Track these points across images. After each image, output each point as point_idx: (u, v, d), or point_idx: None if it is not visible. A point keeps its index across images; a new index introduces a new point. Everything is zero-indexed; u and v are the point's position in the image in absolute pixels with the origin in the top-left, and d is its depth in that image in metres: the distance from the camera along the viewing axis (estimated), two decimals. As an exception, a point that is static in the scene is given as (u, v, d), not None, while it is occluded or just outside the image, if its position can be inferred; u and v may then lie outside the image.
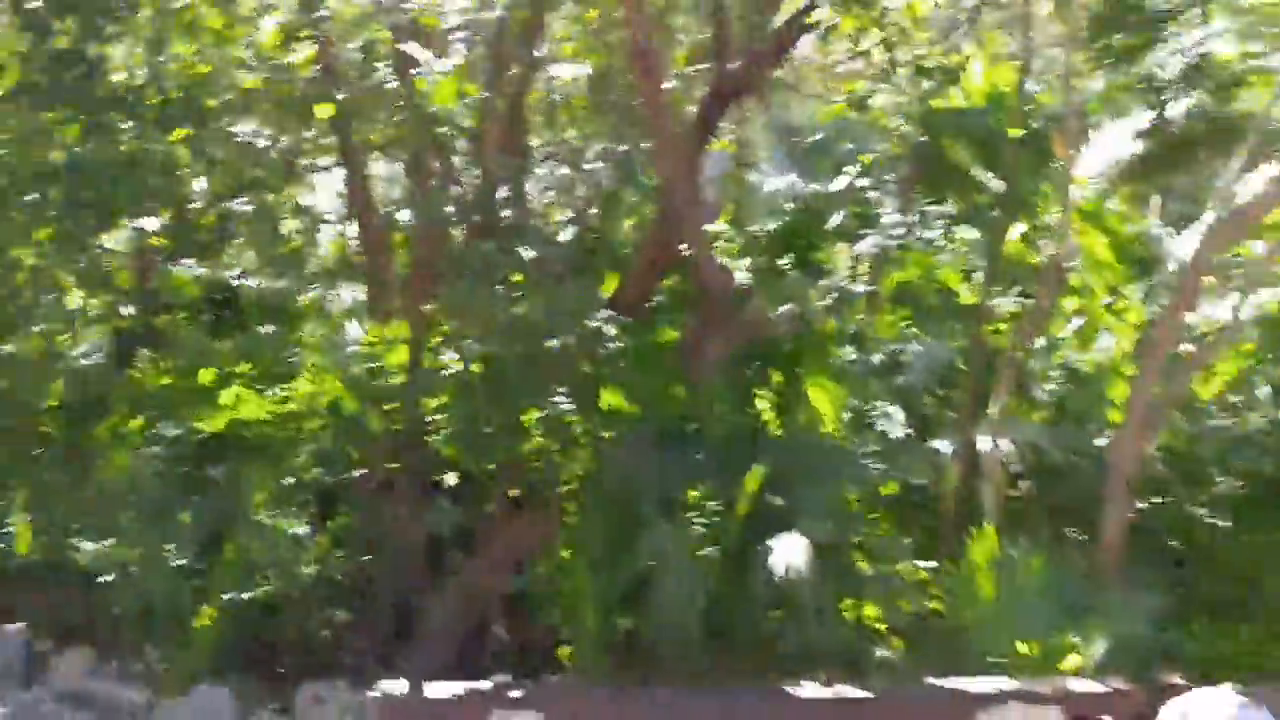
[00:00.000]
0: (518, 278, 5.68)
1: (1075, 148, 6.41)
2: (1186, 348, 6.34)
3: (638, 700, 4.64)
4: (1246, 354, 7.51)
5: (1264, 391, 6.63)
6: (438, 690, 4.57)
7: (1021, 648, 4.62)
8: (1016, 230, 7.64)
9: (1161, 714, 2.08)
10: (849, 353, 6.55)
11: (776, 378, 6.46)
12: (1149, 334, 6.29)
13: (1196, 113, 6.41)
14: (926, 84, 6.84)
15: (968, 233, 7.22)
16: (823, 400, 6.29)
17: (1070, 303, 7.66)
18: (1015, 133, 6.32)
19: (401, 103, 6.01)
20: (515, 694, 4.64)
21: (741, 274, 6.52)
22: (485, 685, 4.72)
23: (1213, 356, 5.99)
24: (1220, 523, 5.88)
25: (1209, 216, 6.19)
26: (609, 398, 6.05)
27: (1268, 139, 5.70)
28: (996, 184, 6.46)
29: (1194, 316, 7.44)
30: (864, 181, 6.41)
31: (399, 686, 4.56)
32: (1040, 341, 6.87)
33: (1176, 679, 5.54)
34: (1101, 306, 7.56)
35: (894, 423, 6.51)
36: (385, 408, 6.19)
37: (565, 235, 6.57)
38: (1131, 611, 4.94)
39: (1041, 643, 4.62)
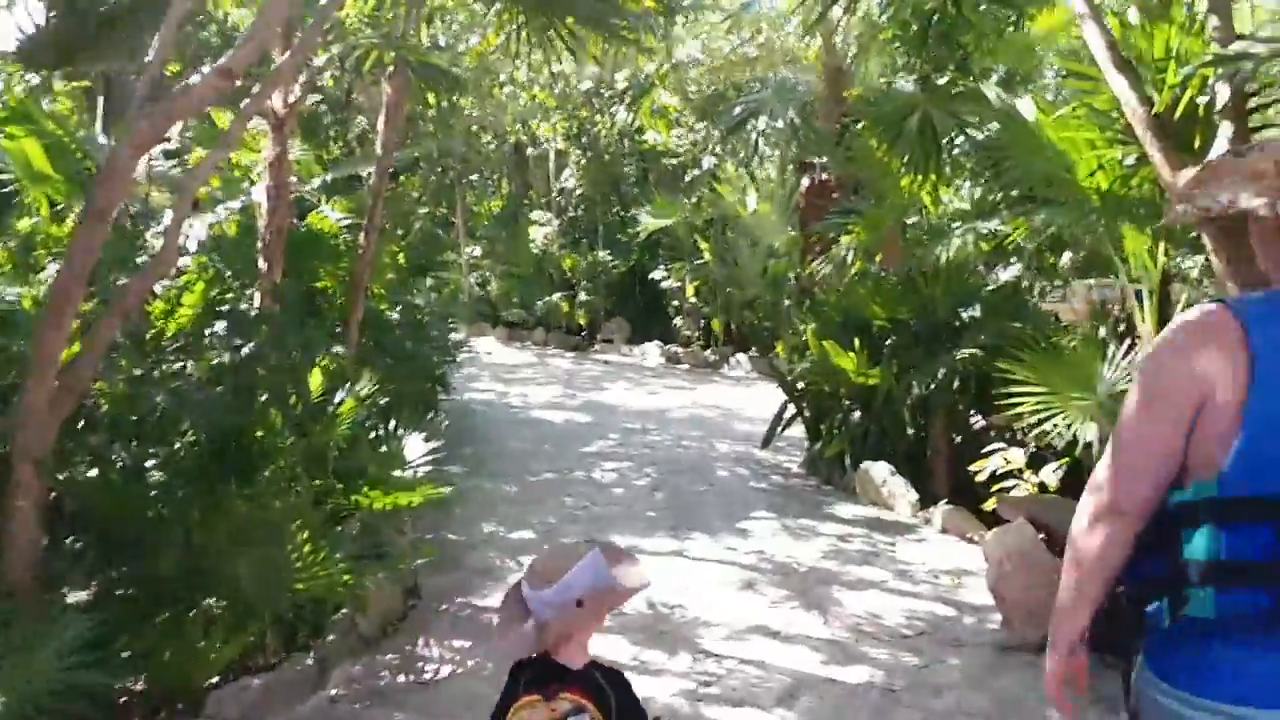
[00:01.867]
0: None
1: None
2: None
3: None
4: (215, 282, 6.78)
5: (221, 325, 5.83)
6: None
7: None
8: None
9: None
10: None
11: None
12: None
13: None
14: None
15: None
16: None
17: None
18: None
19: None
20: None
21: None
22: None
23: (150, 284, 4.94)
24: (178, 491, 4.91)
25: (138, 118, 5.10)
26: None
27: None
28: None
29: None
30: None
31: None
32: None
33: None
34: (48, 226, 6.19)
35: None
36: None
37: None
38: (49, 645, 3.68)
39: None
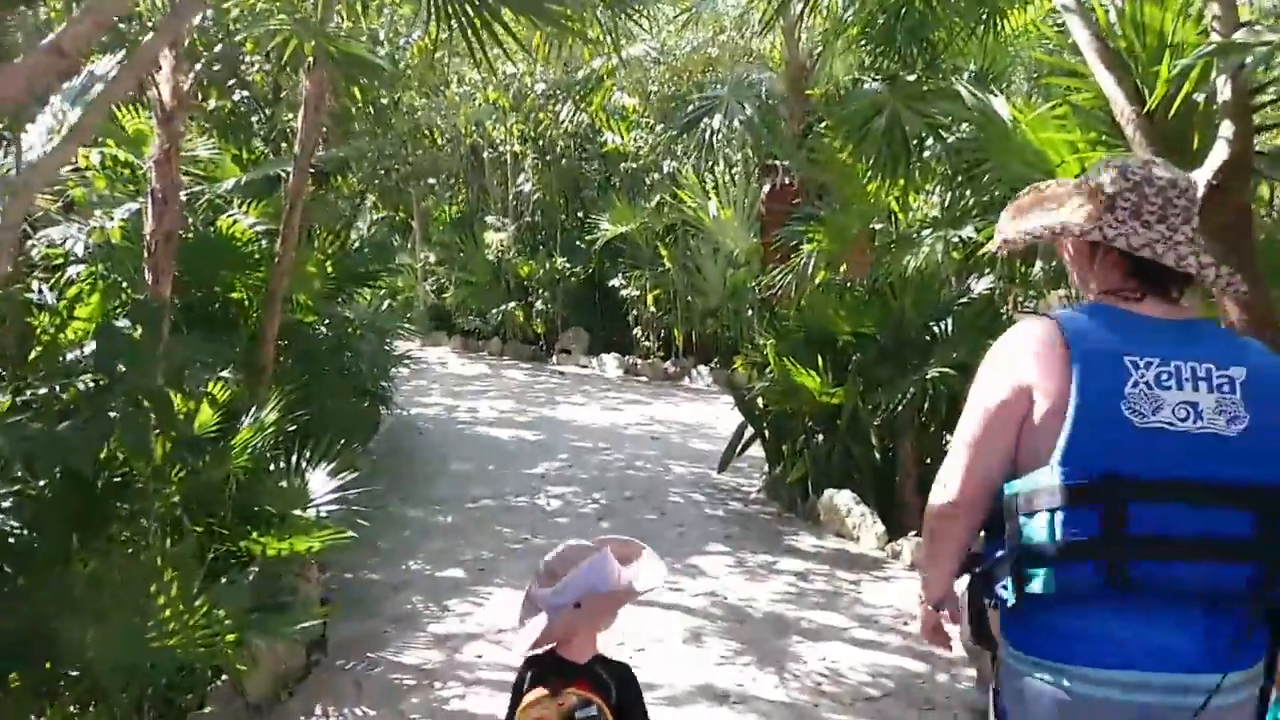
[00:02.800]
0: None
1: None
2: None
3: None
4: (113, 293, 6.11)
5: (90, 347, 5.13)
6: None
7: None
8: None
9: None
10: None
11: None
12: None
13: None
14: None
15: None
16: None
17: None
18: None
19: None
20: None
21: None
22: None
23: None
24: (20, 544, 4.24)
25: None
26: None
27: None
28: None
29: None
30: None
31: None
32: None
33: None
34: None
35: None
36: None
37: None
38: None
39: None
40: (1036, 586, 1.95)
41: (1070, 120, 4.87)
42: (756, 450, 8.94)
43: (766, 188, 9.67)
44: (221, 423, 5.35)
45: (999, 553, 2.04)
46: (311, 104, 7.01)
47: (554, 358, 17.72)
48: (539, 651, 2.50)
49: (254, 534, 4.71)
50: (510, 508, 8.06)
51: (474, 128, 17.79)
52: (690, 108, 8.36)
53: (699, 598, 5.97)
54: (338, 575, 6.23)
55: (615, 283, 16.58)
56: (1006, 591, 2.00)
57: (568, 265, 17.40)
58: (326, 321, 8.40)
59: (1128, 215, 2.09)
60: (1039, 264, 8.81)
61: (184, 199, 6.86)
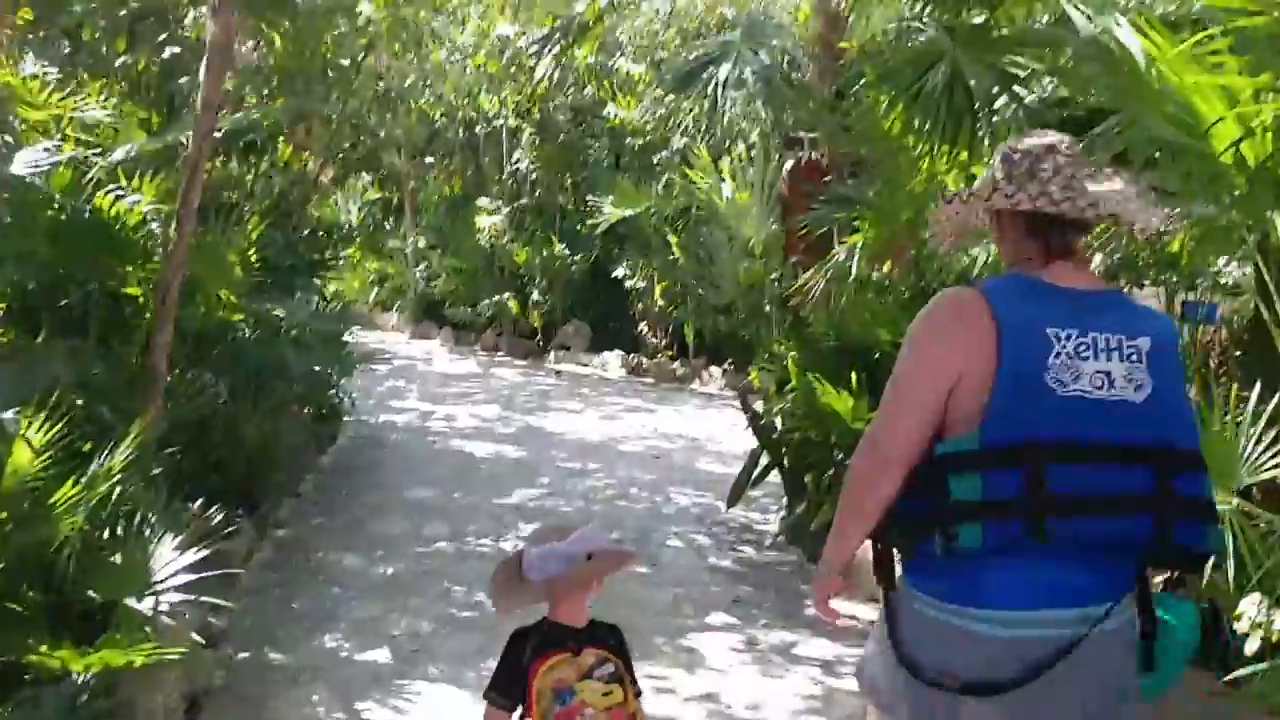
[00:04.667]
0: None
1: None
2: None
3: None
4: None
5: None
6: None
7: None
8: None
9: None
10: None
11: None
12: None
13: None
14: None
15: None
16: None
17: None
18: None
19: None
20: None
21: None
22: None
23: None
24: None
25: None
26: None
27: None
28: None
29: None
30: None
31: None
32: None
33: None
34: None
35: None
36: None
37: None
38: None
39: None
40: (965, 540, 2.09)
41: (1230, 58, 3.44)
42: (776, 474, 7.54)
43: (789, 164, 8.24)
44: (49, 467, 3.99)
45: (922, 509, 2.18)
46: (216, 53, 5.70)
47: (552, 355, 16.38)
48: (529, 624, 2.60)
49: (41, 643, 3.34)
50: (468, 554, 6.69)
51: (465, 100, 16.41)
52: (692, 56, 6.87)
53: (691, 705, 4.56)
54: (228, 657, 4.87)
55: (619, 273, 15.20)
56: (934, 544, 2.13)
57: (567, 252, 16.03)
58: (252, 322, 7.05)
59: (1004, 181, 2.29)
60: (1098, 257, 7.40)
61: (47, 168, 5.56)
